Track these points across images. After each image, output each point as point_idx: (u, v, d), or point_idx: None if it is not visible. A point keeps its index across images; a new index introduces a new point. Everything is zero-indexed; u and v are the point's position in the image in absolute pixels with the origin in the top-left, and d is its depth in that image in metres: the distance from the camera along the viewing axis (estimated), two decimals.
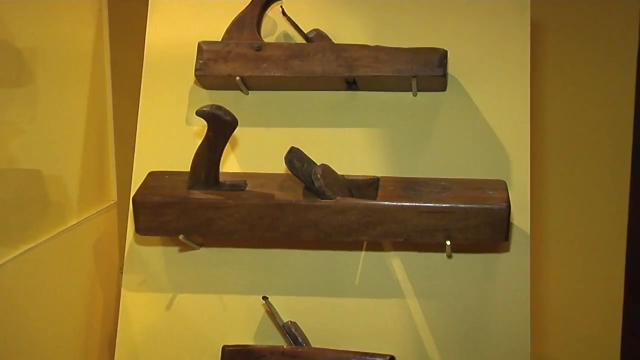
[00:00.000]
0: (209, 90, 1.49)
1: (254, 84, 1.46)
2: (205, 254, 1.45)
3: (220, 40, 1.44)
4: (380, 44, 1.41)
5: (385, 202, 1.28)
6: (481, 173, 1.40)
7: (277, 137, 1.46)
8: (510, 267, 1.38)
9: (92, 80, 1.59)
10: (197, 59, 1.43)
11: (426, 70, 1.38)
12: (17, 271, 1.35)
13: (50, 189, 1.47)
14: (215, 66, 1.42)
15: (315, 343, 1.39)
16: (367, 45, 1.41)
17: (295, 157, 1.29)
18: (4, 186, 1.34)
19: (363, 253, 1.42)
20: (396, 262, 1.41)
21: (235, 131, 1.28)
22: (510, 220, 1.32)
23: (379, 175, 1.37)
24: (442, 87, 1.43)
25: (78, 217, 1.54)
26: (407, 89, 1.43)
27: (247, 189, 1.32)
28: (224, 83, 1.45)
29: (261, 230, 1.30)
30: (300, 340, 1.34)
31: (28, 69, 1.40)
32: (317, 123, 1.46)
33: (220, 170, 1.32)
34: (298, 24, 1.46)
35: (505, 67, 1.44)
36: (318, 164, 1.30)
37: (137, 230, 1.33)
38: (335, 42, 1.44)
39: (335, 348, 1.36)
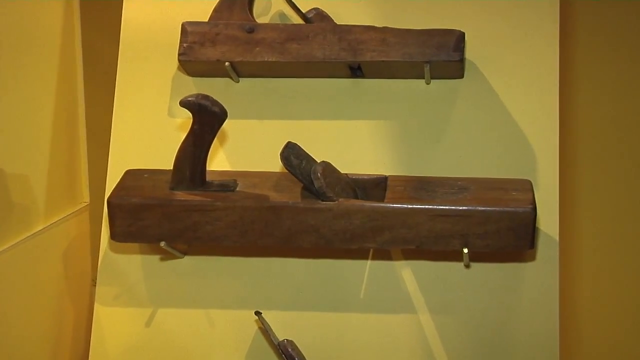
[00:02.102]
0: (194, 78, 1.49)
1: (245, 70, 1.46)
2: (190, 263, 1.44)
3: (207, 20, 1.44)
4: (389, 25, 1.41)
5: (394, 205, 1.28)
6: (503, 171, 1.40)
7: (272, 131, 1.46)
8: (537, 277, 1.38)
9: (61, 67, 1.59)
10: (180, 42, 1.43)
11: (441, 55, 1.38)
12: None
13: (13, 189, 1.46)
14: (202, 50, 1.42)
15: None
16: (374, 27, 1.41)
17: (292, 154, 1.29)
18: None
19: (369, 262, 1.42)
20: (407, 272, 1.41)
21: (224, 124, 1.28)
22: (537, 225, 1.31)
23: (386, 173, 1.37)
24: (459, 74, 1.43)
25: (45, 222, 1.54)
26: (419, 76, 1.43)
27: (238, 189, 1.32)
28: (212, 69, 1.45)
29: (254, 236, 1.30)
30: None
31: None
32: (317, 115, 1.46)
33: (207, 169, 1.32)
34: (295, 3, 1.45)
35: (531, 51, 1.43)
36: (318, 161, 1.30)
37: (113, 236, 1.33)
38: (338, 23, 1.44)
39: None
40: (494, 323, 1.38)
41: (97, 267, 1.46)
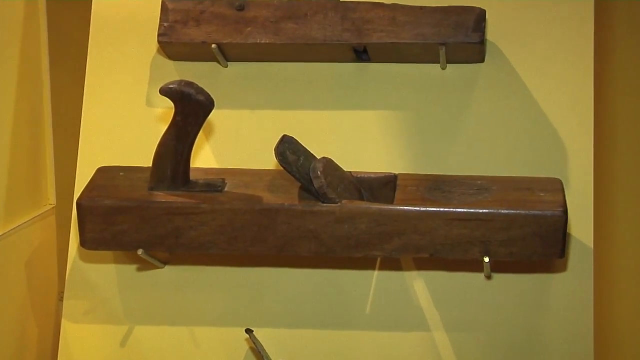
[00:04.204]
0: (176, 62, 1.49)
1: (234, 54, 1.46)
2: (171, 274, 1.44)
3: None
4: (399, 2, 1.41)
5: (405, 207, 1.27)
6: (529, 169, 1.40)
7: (265, 123, 1.46)
8: (568, 290, 1.38)
9: (23, 49, 1.58)
10: (160, 21, 1.43)
11: (458, 36, 1.38)
12: None
13: None
14: (185, 30, 1.42)
15: None
16: (382, 4, 1.41)
17: (288, 149, 1.28)
18: None
19: (376, 272, 1.42)
20: (419, 284, 1.41)
21: (210, 114, 1.27)
22: (568, 231, 1.31)
23: (396, 171, 1.37)
24: (479, 58, 1.44)
25: (5, 227, 1.53)
26: (434, 60, 1.43)
27: (226, 189, 1.32)
28: (196, 52, 1.45)
29: (244, 244, 1.30)
30: None
31: None
32: (316, 104, 1.46)
33: (191, 166, 1.31)
34: None
35: (561, 31, 1.44)
36: (318, 158, 1.29)
37: (83, 243, 1.32)
38: None
39: None
40: (519, 342, 1.38)
41: (64, 279, 1.46)
